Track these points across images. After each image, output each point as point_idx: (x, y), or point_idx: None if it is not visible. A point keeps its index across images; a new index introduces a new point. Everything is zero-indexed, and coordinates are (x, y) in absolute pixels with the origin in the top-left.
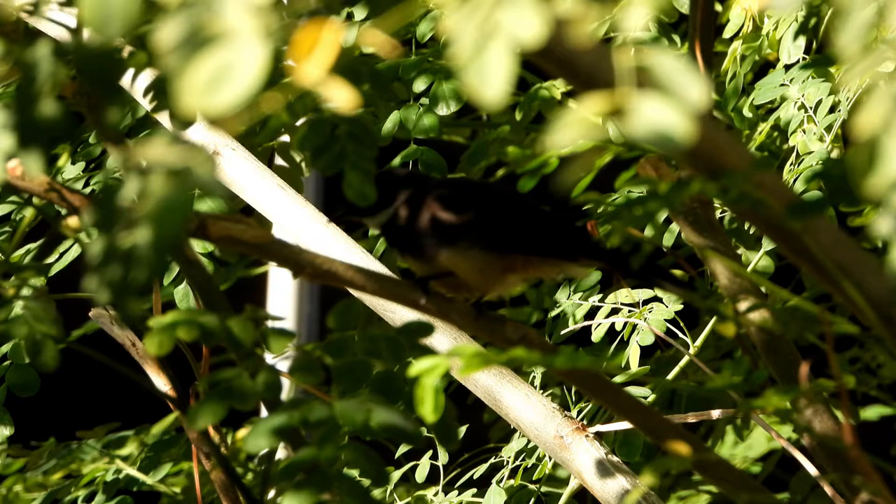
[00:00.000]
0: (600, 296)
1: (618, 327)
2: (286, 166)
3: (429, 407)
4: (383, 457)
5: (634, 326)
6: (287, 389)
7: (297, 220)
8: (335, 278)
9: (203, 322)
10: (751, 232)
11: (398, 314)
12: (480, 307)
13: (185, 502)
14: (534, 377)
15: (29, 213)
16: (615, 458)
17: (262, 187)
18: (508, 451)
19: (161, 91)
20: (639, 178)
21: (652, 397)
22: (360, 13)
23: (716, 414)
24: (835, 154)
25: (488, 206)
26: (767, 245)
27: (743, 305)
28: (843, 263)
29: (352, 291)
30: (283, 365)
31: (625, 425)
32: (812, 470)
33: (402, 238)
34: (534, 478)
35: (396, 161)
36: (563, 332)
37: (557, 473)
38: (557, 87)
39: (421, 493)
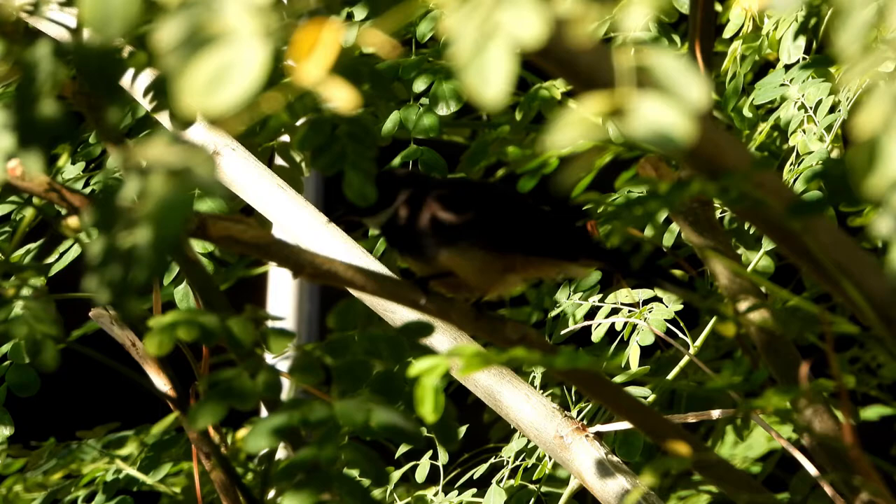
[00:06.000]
0: (600, 296)
1: (618, 327)
2: (286, 166)
3: (429, 407)
4: (383, 457)
5: (634, 326)
6: (287, 389)
7: (297, 220)
8: (335, 278)
9: (203, 322)
10: (751, 232)
11: (398, 314)
12: (480, 307)
13: (185, 502)
14: (534, 377)
15: (29, 213)
16: (615, 458)
17: (262, 187)
18: (508, 451)
19: (161, 91)
20: (639, 178)
21: (652, 397)
22: (360, 13)
23: (716, 414)
24: (835, 154)
25: (488, 206)
26: (767, 245)
27: (743, 305)
28: (843, 263)
29: (352, 291)
30: (283, 365)
31: (625, 425)
32: (812, 470)
33: (402, 238)
34: (534, 478)
35: (396, 161)
36: (563, 332)
37: (557, 473)
38: (557, 87)
39: (421, 493)
